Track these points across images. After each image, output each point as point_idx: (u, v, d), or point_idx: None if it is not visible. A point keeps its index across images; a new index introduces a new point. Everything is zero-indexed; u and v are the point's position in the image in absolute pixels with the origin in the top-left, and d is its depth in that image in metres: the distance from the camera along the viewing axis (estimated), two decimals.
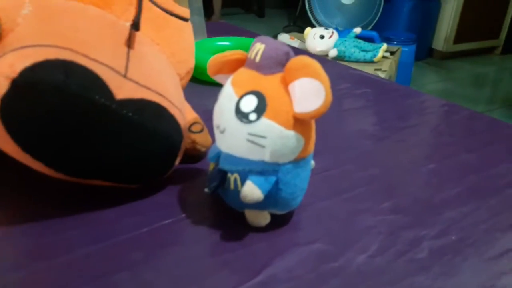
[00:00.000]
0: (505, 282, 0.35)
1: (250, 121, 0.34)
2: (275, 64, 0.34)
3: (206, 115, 0.45)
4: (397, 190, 0.46)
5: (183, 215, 0.40)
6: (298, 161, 0.36)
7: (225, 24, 1.08)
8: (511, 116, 2.37)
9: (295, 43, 2.23)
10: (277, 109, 0.34)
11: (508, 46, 3.44)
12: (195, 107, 0.48)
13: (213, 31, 0.89)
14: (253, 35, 0.89)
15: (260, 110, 0.34)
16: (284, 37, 2.33)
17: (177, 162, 0.40)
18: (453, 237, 0.39)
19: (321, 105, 0.33)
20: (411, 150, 0.55)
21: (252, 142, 0.34)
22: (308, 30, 1.97)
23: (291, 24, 3.69)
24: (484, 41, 3.36)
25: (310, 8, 2.82)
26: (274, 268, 0.34)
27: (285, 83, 0.34)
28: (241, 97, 0.34)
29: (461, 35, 3.17)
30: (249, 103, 0.34)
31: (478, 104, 2.44)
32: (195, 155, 0.44)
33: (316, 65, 0.33)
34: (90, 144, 0.35)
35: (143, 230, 0.37)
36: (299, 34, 2.32)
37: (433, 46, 3.21)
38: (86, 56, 0.34)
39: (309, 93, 0.33)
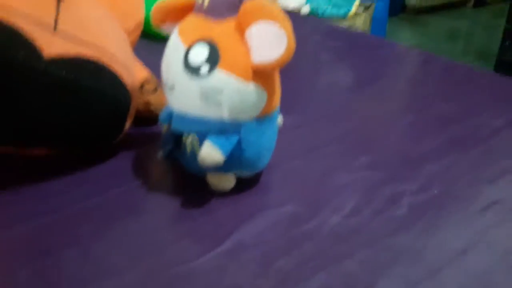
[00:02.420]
0: (492, 236, 0.32)
1: (202, 75, 0.29)
2: (227, 7, 0.30)
3: None
4: (373, 145, 0.42)
5: (138, 183, 0.36)
6: (262, 118, 0.32)
7: None
8: (485, 69, 2.37)
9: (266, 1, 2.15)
10: (232, 59, 0.29)
11: None
12: (152, 66, 0.43)
13: None
14: None
15: (212, 61, 0.29)
16: None
17: (127, 125, 0.35)
18: (435, 191, 0.36)
19: (282, 53, 0.28)
20: (387, 103, 0.51)
21: (207, 98, 0.30)
22: None
23: None
24: None
25: None
26: (240, 234, 0.31)
27: (240, 29, 0.30)
28: (189, 47, 0.30)
29: None
30: (200, 54, 0.29)
31: (452, 58, 2.43)
32: (149, 117, 0.40)
33: (273, 6, 0.28)
34: (22, 110, 0.31)
35: (93, 200, 0.34)
36: None
37: (406, 1, 3.16)
38: (4, 6, 0.29)
39: (269, 40, 0.29)
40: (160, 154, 0.32)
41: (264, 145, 0.33)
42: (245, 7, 0.29)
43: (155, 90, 0.40)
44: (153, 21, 0.33)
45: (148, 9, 0.48)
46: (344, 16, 1.82)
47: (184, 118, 0.31)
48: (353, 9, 1.83)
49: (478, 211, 0.34)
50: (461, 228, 0.33)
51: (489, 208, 0.34)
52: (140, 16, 0.42)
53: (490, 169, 0.39)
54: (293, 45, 0.28)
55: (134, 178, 0.36)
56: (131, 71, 0.36)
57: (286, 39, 0.28)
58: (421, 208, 0.34)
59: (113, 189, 0.35)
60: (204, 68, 0.29)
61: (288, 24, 0.28)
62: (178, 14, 0.32)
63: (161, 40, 0.51)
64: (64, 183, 0.35)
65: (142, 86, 0.39)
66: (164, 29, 0.34)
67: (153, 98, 0.39)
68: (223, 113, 0.30)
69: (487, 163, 0.40)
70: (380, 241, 0.31)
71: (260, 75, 0.30)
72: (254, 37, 0.29)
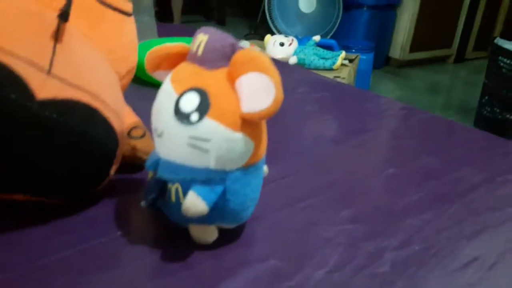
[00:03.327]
0: None
1: (192, 123, 0.30)
2: (219, 57, 0.30)
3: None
4: (356, 198, 0.43)
5: (119, 233, 0.35)
6: (247, 168, 0.32)
7: (181, 26, 1.04)
8: (466, 122, 2.44)
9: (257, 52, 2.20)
10: (222, 109, 0.30)
11: (460, 55, 3.55)
12: (141, 112, 0.43)
13: (169, 33, 0.84)
14: None
15: (202, 109, 0.30)
16: (245, 45, 2.30)
17: (112, 171, 0.35)
18: (416, 247, 0.36)
19: (271, 103, 0.29)
20: (370, 155, 0.52)
21: (194, 146, 0.30)
22: (268, 37, 1.95)
23: (252, 32, 3.68)
24: (438, 50, 3.46)
25: (271, 16, 2.81)
26: None
27: (231, 79, 0.30)
28: (181, 95, 0.30)
29: (416, 44, 3.25)
30: (190, 102, 0.30)
31: (433, 111, 2.49)
32: (135, 164, 0.40)
33: (264, 58, 0.29)
34: (7, 152, 0.30)
35: (71, 250, 0.32)
36: (260, 42, 2.29)
37: (390, 55, 3.28)
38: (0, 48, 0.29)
39: (258, 90, 0.29)
40: (143, 202, 0.32)
41: (248, 196, 0.33)
42: (236, 57, 0.30)
43: (143, 136, 0.40)
44: (147, 67, 0.34)
45: (140, 55, 0.49)
46: (330, 68, 1.87)
47: (170, 165, 0.31)
48: (339, 61, 1.89)
49: (458, 268, 0.34)
50: (443, 285, 0.33)
51: (470, 265, 0.35)
52: (134, 61, 0.42)
53: (470, 225, 0.40)
54: (281, 96, 0.29)
55: (115, 228, 0.35)
56: (121, 116, 0.36)
57: (274, 90, 0.29)
58: (403, 264, 0.34)
59: (92, 239, 0.34)
60: (194, 116, 0.29)
61: (277, 75, 0.29)
62: (171, 62, 0.33)
63: (152, 85, 0.52)
64: (43, 231, 0.34)
65: (129, 131, 0.39)
66: (157, 76, 0.34)
67: (140, 144, 0.40)
68: (210, 161, 0.30)
69: (466, 218, 0.41)
70: None
71: (248, 124, 0.31)
72: (244, 87, 0.30)
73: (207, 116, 0.30)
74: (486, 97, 2.22)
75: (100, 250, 0.33)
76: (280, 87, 0.29)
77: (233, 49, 0.31)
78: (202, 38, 0.31)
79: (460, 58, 3.58)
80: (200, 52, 0.31)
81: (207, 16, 4.31)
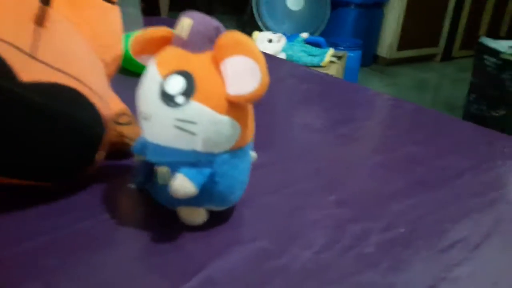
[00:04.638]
0: (457, 273, 0.32)
1: (178, 105, 0.30)
2: (204, 40, 0.31)
3: None
4: (343, 184, 0.43)
5: (108, 216, 0.35)
6: (235, 151, 0.33)
7: (169, 19, 1.03)
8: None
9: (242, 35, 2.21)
10: (208, 91, 0.30)
11: (447, 53, 3.59)
12: (127, 101, 0.43)
13: (156, 25, 0.84)
14: None
15: (188, 92, 0.30)
16: None
17: (101, 156, 0.35)
18: (402, 230, 0.37)
19: (257, 86, 0.29)
20: (357, 144, 0.53)
21: (181, 129, 0.30)
22: (256, 34, 1.96)
23: (240, 29, 3.69)
24: (425, 49, 3.49)
25: (259, 13, 2.81)
26: (210, 270, 0.31)
27: (216, 62, 0.30)
28: (166, 78, 0.30)
29: (403, 42, 3.27)
30: (176, 85, 0.30)
31: None
32: (122, 150, 0.40)
33: (249, 41, 0.30)
34: None
35: (60, 232, 0.32)
36: None
37: (377, 53, 3.30)
38: None
39: (243, 73, 0.30)
40: (131, 185, 0.32)
41: (237, 178, 0.34)
42: (221, 40, 0.30)
43: (130, 122, 0.40)
44: (132, 51, 0.34)
45: (126, 46, 0.49)
46: (318, 64, 1.88)
47: (158, 148, 0.31)
48: (327, 58, 1.90)
49: (442, 249, 0.35)
50: (428, 265, 0.33)
51: (454, 246, 0.35)
52: (119, 49, 0.42)
53: (455, 209, 0.40)
54: (267, 79, 0.29)
55: (104, 211, 0.35)
56: (107, 102, 0.36)
57: (260, 73, 0.29)
58: (389, 245, 0.35)
59: (81, 221, 0.34)
60: (180, 99, 0.30)
61: (262, 58, 0.29)
62: (156, 46, 0.33)
63: (138, 76, 0.51)
64: (32, 213, 0.34)
65: (117, 118, 0.39)
66: (141, 60, 0.34)
67: (127, 130, 0.40)
68: (197, 144, 0.31)
69: (451, 203, 0.41)
70: (349, 278, 0.31)
71: (234, 107, 0.31)
72: (229, 69, 0.30)
73: (193, 99, 0.30)
74: (473, 95, 2.25)
75: (90, 232, 0.33)
76: (266, 70, 0.29)
77: (217, 32, 0.31)
78: (186, 22, 0.31)
79: (447, 56, 3.62)
80: (184, 35, 0.31)
81: None
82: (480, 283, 0.32)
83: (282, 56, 1.86)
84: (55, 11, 0.35)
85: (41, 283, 0.28)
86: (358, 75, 2.65)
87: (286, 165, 0.45)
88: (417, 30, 3.32)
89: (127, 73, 0.64)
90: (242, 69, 0.29)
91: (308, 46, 1.95)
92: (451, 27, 3.51)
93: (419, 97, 2.83)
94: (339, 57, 2.06)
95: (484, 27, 3.67)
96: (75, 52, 0.35)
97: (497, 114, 2.15)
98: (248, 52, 0.29)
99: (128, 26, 0.46)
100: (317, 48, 1.96)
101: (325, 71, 1.87)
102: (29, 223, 0.33)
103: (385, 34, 3.26)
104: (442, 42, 3.57)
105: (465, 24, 3.57)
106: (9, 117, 0.30)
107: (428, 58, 3.58)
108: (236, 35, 0.30)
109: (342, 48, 2.43)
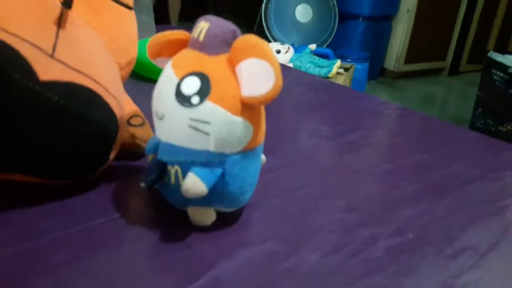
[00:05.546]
0: (465, 280, 0.33)
1: (192, 105, 0.30)
2: (220, 43, 0.31)
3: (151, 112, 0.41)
4: (351, 189, 0.43)
5: (118, 214, 0.35)
6: (246, 152, 0.33)
7: (179, 27, 1.05)
8: None
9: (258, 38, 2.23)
10: (222, 92, 0.31)
11: (454, 67, 3.60)
12: (139, 105, 0.44)
13: None
14: None
15: (203, 92, 0.30)
16: None
17: (111, 156, 0.36)
18: (410, 235, 0.37)
19: (271, 88, 0.30)
20: (365, 151, 0.53)
21: (195, 128, 0.31)
22: None
23: None
24: (433, 62, 3.50)
25: (267, 25, 2.84)
26: (218, 270, 0.31)
27: (232, 65, 0.31)
28: (182, 79, 0.31)
29: (411, 56, 3.29)
30: (191, 85, 0.31)
31: None
32: (134, 151, 0.40)
33: (264, 44, 0.30)
34: (9, 131, 0.31)
35: (70, 230, 0.33)
36: None
37: (385, 66, 3.31)
38: (4, 30, 0.30)
39: (258, 75, 0.30)
40: (143, 183, 0.32)
41: (247, 180, 0.34)
42: (237, 43, 0.31)
43: (142, 124, 0.41)
44: (149, 54, 0.34)
45: (139, 52, 0.50)
46: (326, 76, 1.89)
47: (170, 148, 0.32)
48: (334, 69, 1.92)
49: (451, 255, 0.35)
50: (435, 271, 0.33)
51: (463, 253, 0.35)
52: (133, 53, 0.43)
53: (463, 216, 0.41)
54: (280, 81, 0.30)
55: (114, 210, 0.36)
56: (121, 103, 0.37)
57: (274, 76, 0.29)
58: (397, 250, 0.35)
59: (91, 220, 0.34)
60: (195, 99, 0.30)
61: (277, 62, 0.30)
62: (172, 49, 0.33)
63: (150, 81, 0.52)
64: (43, 211, 0.35)
65: (129, 119, 0.40)
66: (157, 63, 0.35)
67: (139, 132, 0.40)
68: (210, 144, 0.31)
69: (460, 210, 0.41)
70: (357, 281, 0.31)
71: (247, 109, 0.31)
72: (244, 72, 0.30)
73: (208, 99, 0.30)
74: (480, 110, 2.25)
75: (100, 230, 0.33)
76: (280, 73, 0.30)
77: (234, 36, 0.32)
78: (203, 25, 0.32)
79: (454, 70, 3.62)
80: (201, 38, 0.32)
81: None
82: None
83: (290, 66, 1.88)
84: (75, 15, 0.36)
85: (50, 279, 0.29)
86: (365, 88, 2.66)
87: (294, 170, 0.46)
88: (424, 44, 3.33)
89: (139, 78, 0.65)
90: (257, 71, 0.30)
91: (315, 57, 1.96)
92: (459, 41, 3.52)
93: (425, 111, 2.83)
94: (346, 69, 2.07)
95: (492, 41, 3.68)
96: (93, 54, 0.36)
97: (504, 129, 2.15)
98: (263, 55, 0.30)
99: (141, 33, 0.47)
100: (325, 60, 1.98)
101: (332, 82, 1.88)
102: (40, 220, 0.34)
103: (393, 47, 3.27)
104: (450, 56, 3.57)
105: (473, 39, 3.57)
106: (26, 114, 0.31)
107: (436, 72, 3.58)
108: (252, 38, 0.30)
109: (349, 60, 2.45)
